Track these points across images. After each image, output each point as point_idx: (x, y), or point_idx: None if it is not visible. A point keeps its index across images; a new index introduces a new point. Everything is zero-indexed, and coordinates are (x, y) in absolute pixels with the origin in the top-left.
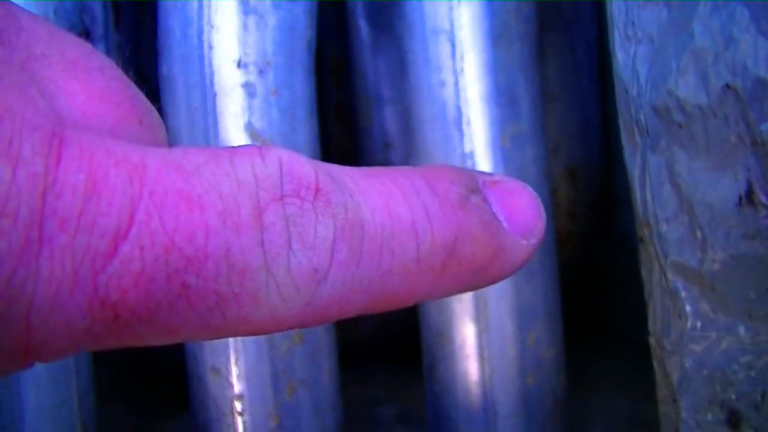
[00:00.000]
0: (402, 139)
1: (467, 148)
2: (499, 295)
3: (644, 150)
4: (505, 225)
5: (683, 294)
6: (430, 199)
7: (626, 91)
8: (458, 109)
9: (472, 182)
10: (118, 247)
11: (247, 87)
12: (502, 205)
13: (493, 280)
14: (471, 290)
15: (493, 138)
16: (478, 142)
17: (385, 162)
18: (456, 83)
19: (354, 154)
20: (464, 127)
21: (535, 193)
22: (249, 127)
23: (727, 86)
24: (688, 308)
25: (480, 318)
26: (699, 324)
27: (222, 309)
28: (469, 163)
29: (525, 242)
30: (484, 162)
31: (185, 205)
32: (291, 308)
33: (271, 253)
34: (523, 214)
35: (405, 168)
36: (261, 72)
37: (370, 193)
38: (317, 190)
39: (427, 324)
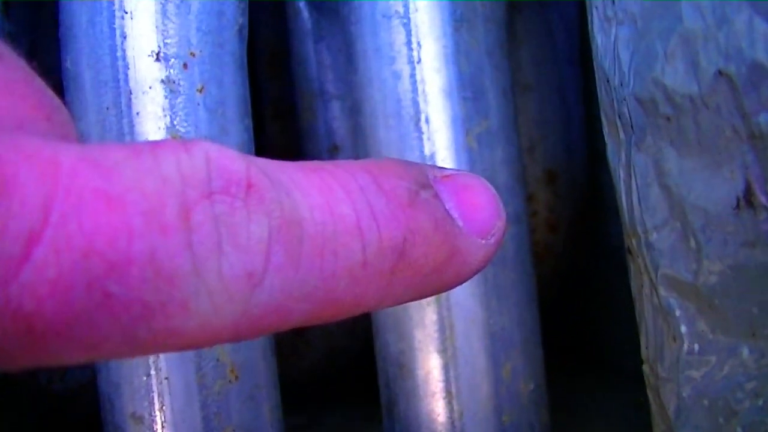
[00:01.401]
0: (351, 141)
1: (427, 150)
2: (468, 320)
3: (629, 147)
4: (460, 223)
5: (677, 312)
6: (375, 195)
7: (607, 81)
8: (415, 104)
9: (422, 177)
10: (32, 252)
11: (169, 83)
12: (457, 202)
13: (449, 285)
14: (425, 296)
15: (457, 137)
16: (440, 143)
17: None
18: (412, 75)
19: (294, 157)
20: (423, 125)
21: (492, 188)
22: (171, 130)
23: (720, 73)
24: (683, 328)
25: (446, 347)
26: (696, 347)
27: (148, 320)
28: None
29: (483, 242)
30: (446, 165)
31: (105, 205)
32: (224, 317)
33: (200, 256)
34: (480, 211)
35: (347, 162)
36: (184, 66)
37: (309, 190)
38: (249, 186)
39: (384, 354)
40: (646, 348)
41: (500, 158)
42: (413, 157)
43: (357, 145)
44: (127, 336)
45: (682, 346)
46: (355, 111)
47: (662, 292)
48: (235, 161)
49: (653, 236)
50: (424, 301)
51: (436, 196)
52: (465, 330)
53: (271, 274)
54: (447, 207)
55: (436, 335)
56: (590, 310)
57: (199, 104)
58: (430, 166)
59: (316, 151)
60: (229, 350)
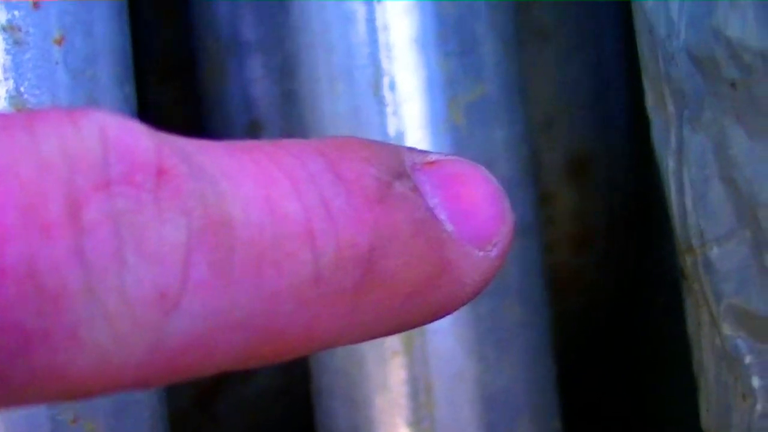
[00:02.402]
0: (279, 115)
1: (391, 129)
2: (454, 378)
3: (680, 126)
4: (450, 227)
5: (748, 358)
6: (332, 187)
7: (650, 31)
8: (375, 61)
9: (397, 163)
10: None
11: (11, 31)
12: (444, 197)
13: (437, 313)
14: (404, 328)
15: (436, 110)
16: (411, 118)
17: None
18: (370, 17)
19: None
20: (385, 92)
21: (494, 179)
22: (16, 100)
23: None
24: (756, 381)
25: (421, 418)
26: None
27: (25, 354)
28: None
29: (481, 253)
30: (421, 149)
31: None
32: (128, 354)
33: (96, 268)
34: (478, 210)
35: (292, 141)
36: (34, 5)
37: (241, 179)
38: (160, 173)
39: (330, 430)
40: (707, 411)
41: (500, 140)
42: (370, 138)
43: (288, 121)
44: None
45: (756, 405)
46: (285, 71)
47: (727, 330)
48: (142, 139)
49: (714, 252)
50: (388, 350)
51: (416, 189)
52: (448, 393)
53: (191, 294)
54: (431, 204)
55: (405, 401)
56: (636, 365)
57: (57, 62)
58: (407, 148)
59: (225, 131)
60: (102, 426)
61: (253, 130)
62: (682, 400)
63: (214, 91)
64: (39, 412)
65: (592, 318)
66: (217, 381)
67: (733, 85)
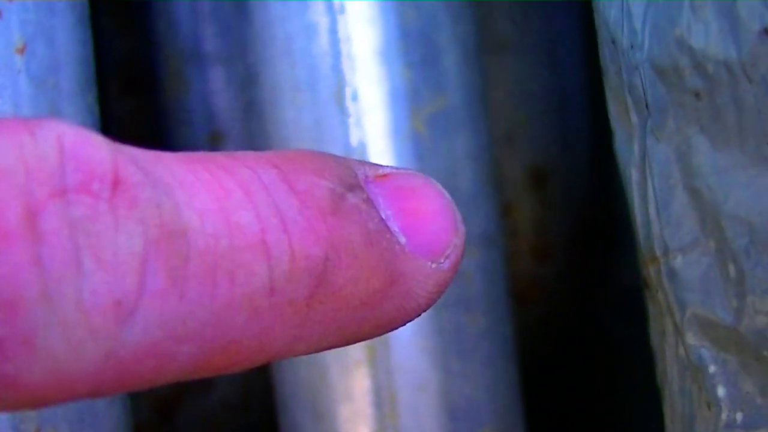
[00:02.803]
0: (241, 126)
1: (354, 139)
2: (417, 388)
3: (643, 136)
4: (402, 239)
5: (712, 368)
6: (285, 198)
7: (613, 41)
8: (337, 72)
9: (349, 175)
10: None
11: None
12: (397, 210)
13: (388, 324)
14: (355, 339)
15: (398, 121)
16: (373, 129)
17: None
18: (333, 28)
19: (155, 149)
20: (348, 102)
21: (445, 192)
22: None
23: (767, 32)
24: (720, 391)
25: (385, 427)
26: (739, 416)
27: None
28: None
29: (433, 265)
30: (382, 161)
31: None
32: (83, 362)
33: (52, 275)
34: (430, 223)
35: (245, 153)
36: None
37: (196, 190)
38: (116, 182)
39: None
40: (671, 420)
41: (462, 151)
42: (334, 149)
43: (250, 132)
44: None
45: (720, 415)
46: (247, 82)
47: (691, 339)
48: (98, 148)
49: (678, 261)
50: (352, 360)
51: (368, 201)
52: (412, 403)
53: (147, 303)
54: (383, 216)
55: (369, 411)
56: (597, 373)
57: (19, 71)
58: (359, 161)
59: (187, 141)
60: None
61: (214, 141)
62: (645, 410)
63: (175, 102)
64: (1, 421)
65: (552, 328)
66: (177, 392)
67: (696, 95)
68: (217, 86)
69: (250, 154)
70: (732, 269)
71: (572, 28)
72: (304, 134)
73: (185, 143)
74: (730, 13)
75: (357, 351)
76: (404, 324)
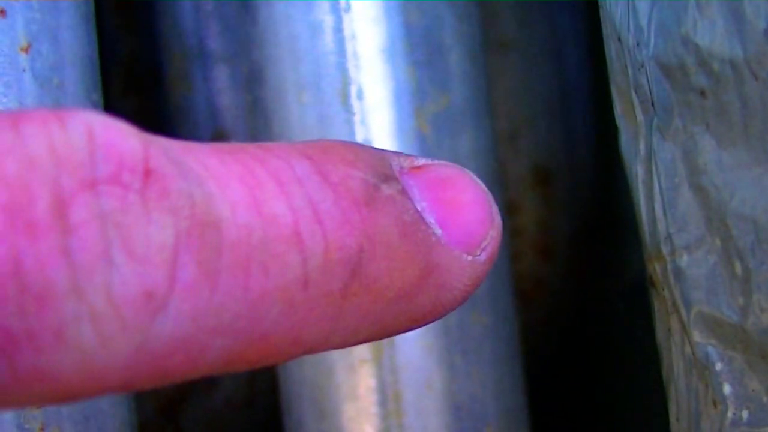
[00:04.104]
0: (245, 124)
1: (359, 137)
2: (422, 386)
3: (649, 134)
4: (438, 231)
5: (718, 365)
6: (319, 189)
7: (618, 39)
8: (343, 71)
9: (384, 166)
10: None
11: None
12: (432, 201)
13: (424, 317)
14: (390, 333)
15: (403, 119)
16: (378, 127)
17: None
18: (338, 27)
19: None
20: (353, 101)
21: (481, 184)
22: None
23: None
24: (726, 389)
25: (390, 426)
26: (745, 413)
27: (10, 356)
28: None
29: (469, 258)
30: None
31: None
32: (114, 354)
33: (82, 268)
34: (466, 214)
35: (278, 144)
36: (1, 12)
37: (228, 180)
38: (148, 173)
39: None
40: (677, 419)
41: (466, 149)
42: None
43: (254, 130)
44: None
45: (726, 413)
46: (252, 81)
47: (697, 337)
48: (129, 138)
49: (684, 259)
50: (356, 358)
51: (403, 192)
52: (417, 401)
53: (179, 295)
54: (419, 207)
55: (374, 410)
56: (602, 372)
57: (24, 70)
58: (394, 152)
59: (190, 140)
60: None
61: (218, 140)
62: (649, 408)
63: (179, 101)
64: (5, 420)
65: (557, 326)
66: (182, 392)
67: (702, 93)
68: (222, 85)
69: (283, 145)
70: (738, 267)
71: (576, 27)
72: (309, 132)
73: (187, 141)
74: (736, 12)
75: (362, 349)
76: (440, 317)
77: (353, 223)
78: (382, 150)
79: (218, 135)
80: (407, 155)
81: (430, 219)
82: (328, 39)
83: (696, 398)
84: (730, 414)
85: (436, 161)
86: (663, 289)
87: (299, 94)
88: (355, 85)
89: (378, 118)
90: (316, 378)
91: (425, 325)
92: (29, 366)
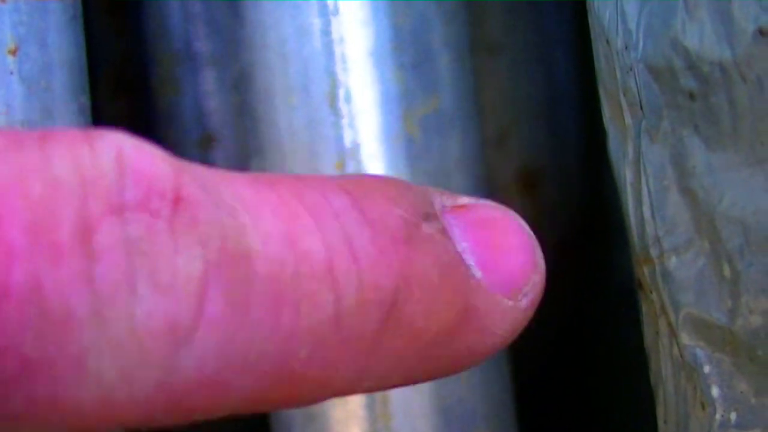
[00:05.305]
0: (232, 128)
1: (347, 141)
2: (410, 388)
3: (638, 137)
4: (478, 273)
5: (706, 368)
6: (357, 225)
7: (607, 42)
8: (330, 74)
9: (425, 204)
10: None
11: None
12: (474, 242)
13: (459, 363)
14: (423, 378)
15: (391, 122)
16: (366, 131)
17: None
18: (326, 30)
19: None
20: (341, 104)
21: (526, 226)
22: None
23: (761, 32)
24: (715, 391)
25: (378, 427)
26: (734, 415)
27: (25, 382)
28: (351, 165)
29: (510, 303)
30: (375, 163)
31: None
32: (135, 389)
33: (105, 296)
34: (508, 257)
35: (317, 177)
36: None
37: (261, 212)
38: (177, 200)
39: None
40: (665, 422)
41: (455, 153)
42: (325, 151)
43: (242, 134)
44: None
45: (714, 415)
46: (240, 84)
47: (685, 339)
48: (159, 164)
49: (672, 262)
50: None
51: (444, 231)
52: (405, 404)
53: (204, 330)
54: (459, 248)
55: (362, 412)
56: (590, 375)
57: (11, 72)
58: (436, 190)
59: (178, 143)
60: None
61: (205, 143)
62: (638, 410)
63: (166, 104)
64: None
65: (545, 329)
66: None
67: (691, 95)
68: (209, 88)
69: (321, 178)
70: (726, 269)
71: (564, 29)
72: (297, 136)
73: (176, 145)
74: (725, 14)
75: None
76: (477, 364)
77: (390, 262)
78: (425, 187)
79: (206, 138)
80: (451, 194)
81: (471, 261)
82: (317, 42)
83: (684, 400)
84: (718, 416)
85: (480, 201)
86: (651, 292)
87: (287, 97)
88: (344, 88)
89: (366, 121)
90: None
91: (461, 371)
92: (46, 395)
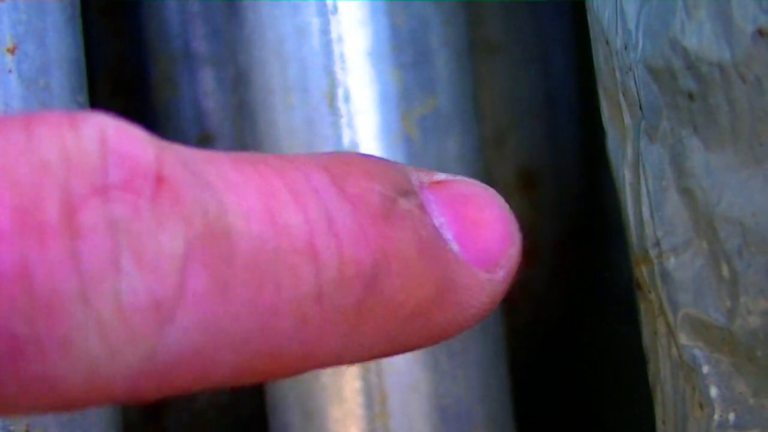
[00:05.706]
0: (231, 127)
1: (346, 140)
2: (408, 389)
3: (637, 137)
4: (456, 247)
5: (705, 368)
6: (336, 201)
7: (606, 42)
8: (329, 73)
9: (403, 180)
10: None
11: None
12: (451, 217)
13: (439, 334)
14: (404, 349)
15: (389, 122)
16: (364, 130)
17: None
18: (325, 29)
19: None
20: (339, 104)
21: (502, 200)
22: None
23: (760, 33)
24: (713, 391)
25: (376, 426)
26: (732, 416)
27: (15, 362)
28: None
29: (488, 276)
30: None
31: None
32: (120, 365)
33: (90, 274)
34: (485, 231)
35: (296, 156)
36: None
37: (243, 190)
38: (160, 180)
39: None
40: (663, 422)
41: (453, 153)
42: (325, 149)
43: (240, 133)
44: None
45: (713, 416)
46: (238, 83)
47: (684, 340)
48: (142, 144)
49: (671, 262)
50: None
51: (422, 207)
52: (403, 404)
53: (188, 306)
54: (437, 223)
55: (360, 412)
56: (588, 375)
57: (10, 71)
58: (414, 168)
59: (177, 141)
60: None
61: (204, 143)
62: (636, 411)
63: (164, 104)
64: None
65: (542, 329)
66: None
67: (690, 96)
68: (208, 87)
69: (301, 156)
70: (725, 270)
71: (562, 30)
72: (296, 135)
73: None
74: (724, 14)
75: None
76: (455, 335)
77: (369, 236)
78: (403, 165)
79: (204, 137)
80: (428, 171)
81: (448, 235)
82: (315, 41)
83: (682, 401)
84: (716, 417)
85: (457, 177)
86: (650, 292)
87: (286, 97)
88: (342, 87)
89: (365, 121)
90: (302, 379)
91: (440, 342)
92: (34, 372)
